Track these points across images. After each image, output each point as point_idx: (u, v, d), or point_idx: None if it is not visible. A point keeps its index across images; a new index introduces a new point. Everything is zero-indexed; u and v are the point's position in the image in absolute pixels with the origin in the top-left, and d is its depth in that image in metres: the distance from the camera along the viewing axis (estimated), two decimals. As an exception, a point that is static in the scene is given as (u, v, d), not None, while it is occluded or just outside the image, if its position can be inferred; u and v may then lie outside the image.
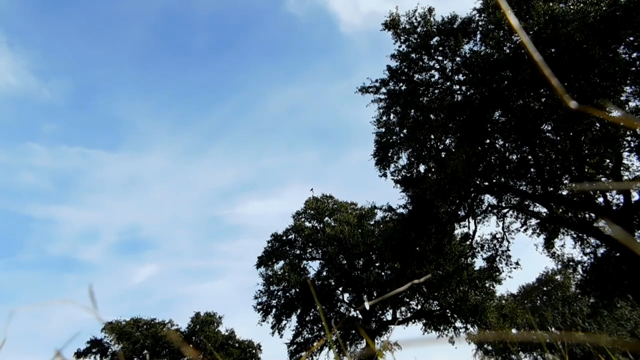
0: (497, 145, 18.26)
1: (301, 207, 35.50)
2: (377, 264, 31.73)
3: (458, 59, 17.73)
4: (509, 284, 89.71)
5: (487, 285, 26.09)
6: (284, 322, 31.25)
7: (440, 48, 18.07)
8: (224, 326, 41.58)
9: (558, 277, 43.87)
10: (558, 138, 17.04)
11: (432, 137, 18.85)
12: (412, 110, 18.87)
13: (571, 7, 14.90)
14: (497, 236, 21.65)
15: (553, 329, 39.61)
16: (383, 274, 30.94)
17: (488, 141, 17.96)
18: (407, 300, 29.46)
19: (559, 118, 15.47)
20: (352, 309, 32.01)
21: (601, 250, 19.30)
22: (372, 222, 32.82)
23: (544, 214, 19.99)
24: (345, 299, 32.32)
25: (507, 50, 16.17)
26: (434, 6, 18.80)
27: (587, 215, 19.03)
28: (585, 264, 19.85)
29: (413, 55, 18.59)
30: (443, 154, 18.85)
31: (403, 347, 0.75)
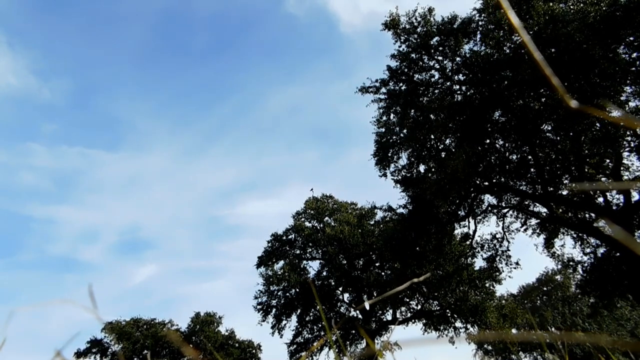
0: (497, 145, 18.26)
1: (301, 207, 35.54)
2: (377, 264, 31.73)
3: (458, 59, 17.73)
4: (509, 284, 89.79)
5: (487, 285, 26.09)
6: (284, 322, 31.26)
7: (440, 48, 18.06)
8: (224, 326, 41.65)
9: (558, 277, 43.87)
10: (558, 138, 17.05)
11: (432, 137, 18.85)
12: (412, 110, 18.87)
13: (571, 7, 14.90)
14: (497, 236, 21.67)
15: (553, 329, 39.61)
16: (383, 274, 30.93)
17: (488, 141, 17.96)
18: (407, 300, 29.45)
19: (559, 118, 15.47)
20: (352, 309, 32.01)
21: (601, 250, 19.30)
22: (372, 222, 32.83)
23: (544, 214, 20.00)
24: (345, 299, 32.35)
25: (507, 50, 16.17)
26: (434, 6, 18.82)
27: (587, 215, 19.03)
28: (585, 264, 19.85)
29: (413, 55, 18.59)
30: (443, 154, 18.85)
31: (403, 347, 0.75)
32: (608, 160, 17.23)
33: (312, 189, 38.44)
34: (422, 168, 20.36)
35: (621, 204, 17.06)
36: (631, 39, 13.41)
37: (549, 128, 17.06)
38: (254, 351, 40.34)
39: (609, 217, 16.19)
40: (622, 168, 16.82)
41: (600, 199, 17.62)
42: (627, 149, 15.84)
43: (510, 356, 39.70)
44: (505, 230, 21.53)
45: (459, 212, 20.26)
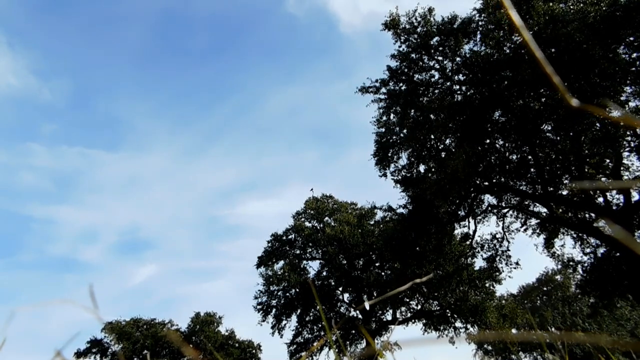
0: (497, 145, 18.27)
1: (301, 207, 35.55)
2: (377, 264, 31.75)
3: (458, 59, 17.73)
4: (509, 284, 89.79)
5: (487, 285, 26.10)
6: (284, 322, 31.28)
7: (440, 48, 18.07)
8: (224, 326, 41.63)
9: (558, 277, 43.88)
10: (558, 138, 17.05)
11: (432, 137, 18.85)
12: (412, 110, 18.87)
13: (571, 7, 14.91)
14: (497, 236, 21.67)
15: (553, 329, 39.62)
16: (383, 274, 30.95)
17: (488, 141, 17.97)
18: (407, 300, 29.47)
19: (559, 118, 15.48)
20: (352, 309, 32.02)
21: (601, 250, 19.31)
22: (372, 222, 32.84)
23: (544, 214, 20.00)
24: (345, 299, 32.36)
25: (507, 50, 16.18)
26: (434, 6, 18.81)
27: (587, 215, 19.03)
28: (585, 264, 19.85)
29: (413, 55, 18.59)
30: (443, 154, 18.85)
31: (403, 347, 0.75)
32: (608, 160, 17.24)
33: (312, 189, 38.48)
34: (422, 168, 20.39)
35: (621, 204, 17.07)
36: (631, 39, 13.42)
37: (549, 128, 17.07)
38: (254, 351, 40.35)
39: (609, 217, 16.19)
40: (622, 168, 16.82)
41: (600, 199, 17.63)
42: (627, 149, 15.85)
43: (510, 356, 39.71)
44: (505, 230, 21.54)
45: (459, 212, 20.27)
